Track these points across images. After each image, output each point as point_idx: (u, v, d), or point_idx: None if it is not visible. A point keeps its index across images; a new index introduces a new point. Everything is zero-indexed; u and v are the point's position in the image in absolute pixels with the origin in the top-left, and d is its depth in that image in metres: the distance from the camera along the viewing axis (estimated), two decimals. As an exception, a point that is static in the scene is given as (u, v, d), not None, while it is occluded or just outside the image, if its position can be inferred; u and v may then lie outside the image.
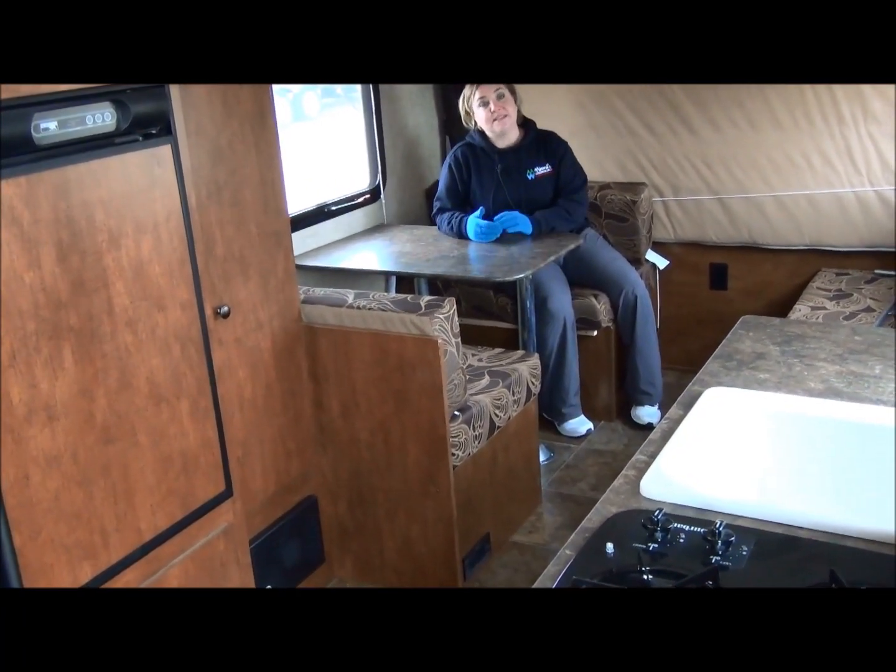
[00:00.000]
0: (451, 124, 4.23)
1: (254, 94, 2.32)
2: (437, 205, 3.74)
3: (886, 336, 2.01)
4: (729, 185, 3.84)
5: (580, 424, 3.68)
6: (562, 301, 3.47)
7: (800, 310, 3.38)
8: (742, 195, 3.83)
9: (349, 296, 2.66)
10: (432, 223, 4.13)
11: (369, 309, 2.58)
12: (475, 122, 3.66)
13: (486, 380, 2.91)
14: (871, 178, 3.60)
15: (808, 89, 3.57)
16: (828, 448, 1.59)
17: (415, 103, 4.12)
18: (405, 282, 3.84)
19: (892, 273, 3.67)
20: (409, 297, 2.63)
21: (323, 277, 3.47)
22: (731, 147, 3.79)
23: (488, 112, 3.56)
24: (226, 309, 2.30)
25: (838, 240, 3.76)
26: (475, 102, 3.59)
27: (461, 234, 3.51)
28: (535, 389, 3.09)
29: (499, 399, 2.84)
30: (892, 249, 3.68)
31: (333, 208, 3.69)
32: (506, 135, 3.62)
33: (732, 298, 4.07)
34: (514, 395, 2.92)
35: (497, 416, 2.82)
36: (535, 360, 3.09)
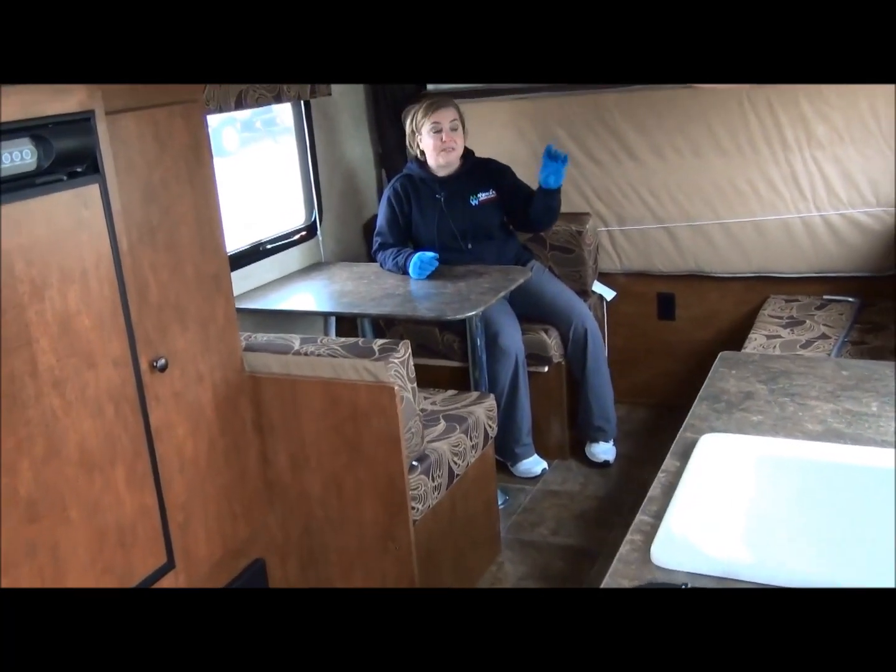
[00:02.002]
0: (387, 157, 4.08)
1: (187, 127, 2.13)
2: (377, 241, 3.58)
3: (873, 370, 1.92)
4: (674, 214, 3.77)
5: (534, 464, 3.54)
6: (513, 337, 3.33)
7: (755, 339, 3.30)
8: (688, 223, 3.76)
9: (295, 341, 2.47)
10: (372, 260, 3.97)
11: (318, 355, 2.39)
12: (418, 144, 3.52)
13: (442, 425, 2.74)
14: (816, 202, 3.56)
15: (752, 114, 3.52)
16: (838, 496, 1.47)
17: (349, 136, 3.96)
18: (345, 321, 3.66)
19: (842, 298, 3.63)
20: (360, 340, 2.45)
21: (260, 320, 3.27)
22: (675, 174, 3.72)
23: (438, 141, 3.43)
24: (163, 362, 2.09)
25: (786, 266, 3.71)
26: (427, 126, 3.44)
27: (406, 271, 3.36)
28: (493, 432, 2.94)
29: (457, 445, 2.68)
30: (840, 274, 3.65)
31: (269, 247, 3.50)
32: (449, 165, 3.50)
33: (681, 328, 3.99)
34: (471, 440, 2.76)
35: (456, 463, 2.66)
36: (490, 401, 2.94)
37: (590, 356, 3.50)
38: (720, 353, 2.06)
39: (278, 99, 3.21)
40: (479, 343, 3.24)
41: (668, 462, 1.58)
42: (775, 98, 3.48)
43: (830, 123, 3.45)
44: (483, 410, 2.87)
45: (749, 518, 1.46)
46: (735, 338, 3.81)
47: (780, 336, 3.31)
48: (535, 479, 3.53)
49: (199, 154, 2.17)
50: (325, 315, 3.51)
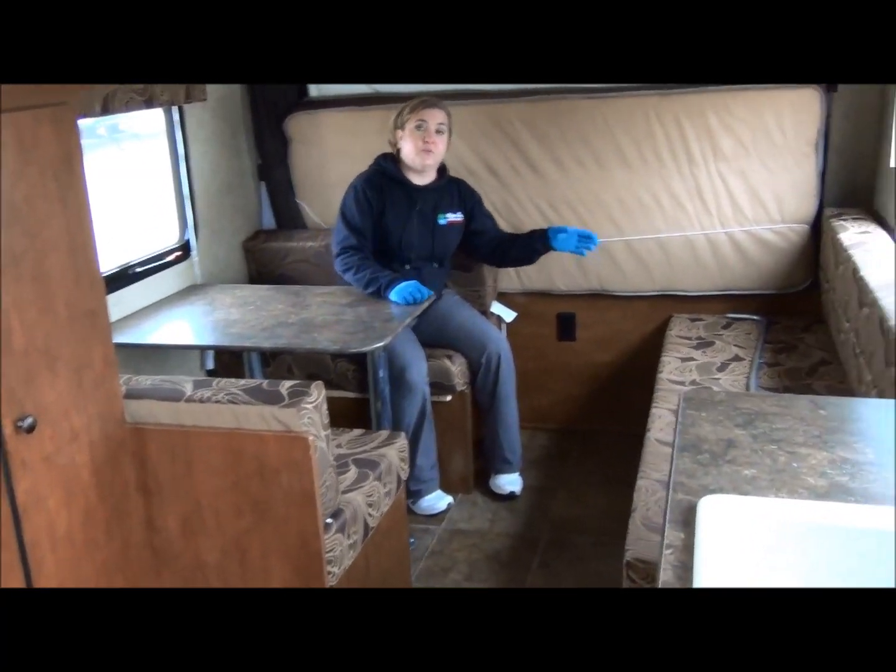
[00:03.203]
0: (267, 168, 3.76)
1: (57, 135, 1.76)
2: (348, 239, 3.14)
3: (850, 408, 1.76)
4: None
5: (438, 500, 3.28)
6: (420, 371, 3.05)
7: (669, 362, 3.15)
8: (590, 240, 3.59)
9: (186, 385, 2.12)
10: (253, 282, 3.64)
11: (216, 401, 2.05)
12: (396, 143, 3.20)
13: (353, 471, 2.43)
14: (721, 219, 3.46)
15: (658, 125, 3.39)
16: (872, 566, 1.28)
17: (226, 145, 3.59)
18: (225, 351, 3.30)
19: (747, 316, 3.55)
20: (264, 383, 2.12)
21: (127, 354, 2.87)
22: (577, 187, 3.55)
23: (420, 140, 3.12)
24: (30, 420, 1.71)
25: (690, 284, 3.60)
26: (411, 124, 3.12)
27: (379, 295, 3.01)
28: (404, 476, 2.65)
29: (371, 495, 2.38)
30: (744, 292, 3.56)
31: (138, 270, 3.10)
32: (427, 172, 3.22)
33: (581, 349, 3.82)
34: (385, 486, 2.47)
35: (371, 515, 2.36)
36: (402, 441, 2.65)
37: (501, 385, 3.27)
38: (684, 393, 1.84)
39: (149, 104, 2.83)
40: (381, 375, 2.95)
41: (671, 534, 1.35)
42: (682, 110, 3.35)
43: (736, 137, 3.35)
44: (395, 452, 2.59)
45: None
46: (638, 359, 3.68)
47: (693, 358, 3.17)
48: (440, 515, 3.27)
49: (70, 167, 1.80)
50: (207, 349, 3.14)
